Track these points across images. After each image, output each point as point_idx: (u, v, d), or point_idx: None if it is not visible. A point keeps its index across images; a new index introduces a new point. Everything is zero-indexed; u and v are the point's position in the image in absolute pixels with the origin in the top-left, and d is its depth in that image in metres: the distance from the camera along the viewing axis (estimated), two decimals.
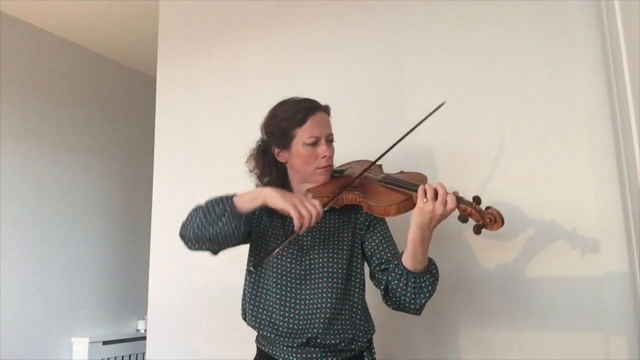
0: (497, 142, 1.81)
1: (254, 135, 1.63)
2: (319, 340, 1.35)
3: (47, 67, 3.38)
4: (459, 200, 1.25)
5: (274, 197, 1.29)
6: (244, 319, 1.46)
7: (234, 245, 1.38)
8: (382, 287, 1.40)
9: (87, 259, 3.48)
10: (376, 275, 1.43)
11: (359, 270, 1.45)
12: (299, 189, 1.49)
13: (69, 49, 3.54)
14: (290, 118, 1.42)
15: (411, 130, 1.36)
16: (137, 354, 3.54)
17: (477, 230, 1.25)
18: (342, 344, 1.36)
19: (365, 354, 1.42)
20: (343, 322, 1.38)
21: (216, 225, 1.30)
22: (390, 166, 1.57)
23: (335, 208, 1.42)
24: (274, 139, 1.46)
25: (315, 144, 1.41)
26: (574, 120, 1.71)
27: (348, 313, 1.40)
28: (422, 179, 1.42)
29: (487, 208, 1.25)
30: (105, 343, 3.36)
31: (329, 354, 1.36)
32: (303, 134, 1.41)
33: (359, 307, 1.43)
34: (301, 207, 1.25)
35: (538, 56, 1.79)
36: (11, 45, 3.18)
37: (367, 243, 1.46)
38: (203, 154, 2.41)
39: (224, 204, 1.32)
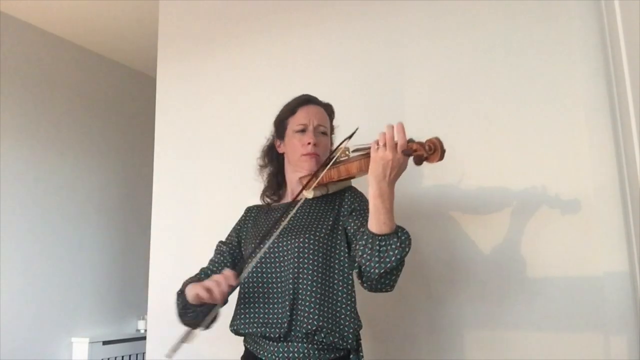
0: (497, 143, 1.81)
1: (253, 135, 1.64)
2: (299, 329, 1.31)
3: (47, 67, 3.38)
4: (408, 140, 1.25)
5: (191, 287, 1.34)
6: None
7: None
8: (356, 264, 1.32)
9: (87, 259, 3.48)
10: (352, 253, 1.37)
11: (342, 258, 1.40)
12: (292, 179, 1.56)
13: (69, 49, 3.54)
14: (285, 109, 1.57)
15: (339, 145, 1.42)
16: (137, 354, 3.54)
17: (418, 161, 1.25)
18: (322, 336, 1.31)
19: (351, 356, 1.36)
20: (324, 309, 1.33)
21: (186, 316, 1.40)
22: None
23: (326, 194, 1.48)
24: (275, 130, 1.60)
25: (303, 131, 1.51)
26: (574, 120, 1.71)
27: (330, 300, 1.35)
28: None
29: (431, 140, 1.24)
30: (105, 343, 3.36)
31: (308, 352, 1.32)
32: (293, 122, 1.53)
33: (343, 297, 1.37)
34: (208, 282, 1.27)
35: (538, 56, 1.79)
36: (11, 45, 3.18)
37: (349, 228, 1.41)
38: (203, 154, 2.41)
39: (181, 295, 1.42)
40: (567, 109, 1.73)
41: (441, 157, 1.23)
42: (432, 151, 1.22)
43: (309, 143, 1.48)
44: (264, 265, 1.41)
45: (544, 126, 1.75)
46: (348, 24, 2.15)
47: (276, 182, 1.60)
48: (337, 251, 1.41)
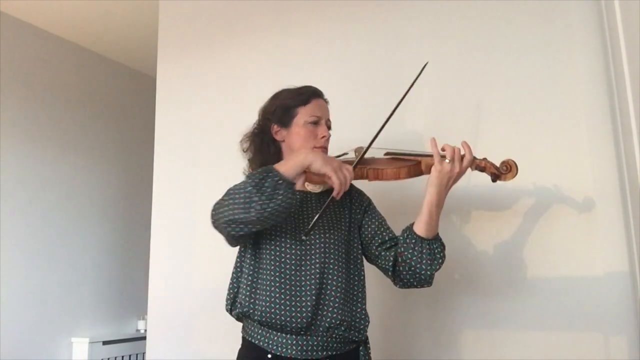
0: (495, 143, 1.81)
1: None
2: (322, 323, 1.33)
3: (47, 67, 3.38)
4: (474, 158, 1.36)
5: (317, 161, 1.30)
6: (230, 309, 1.43)
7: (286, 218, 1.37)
8: (390, 263, 1.42)
9: (87, 258, 3.48)
10: (381, 254, 1.45)
11: (357, 254, 1.47)
12: None
13: (69, 49, 3.54)
14: (295, 98, 1.50)
15: (405, 95, 1.47)
16: (137, 354, 3.55)
17: (494, 179, 1.40)
18: (342, 330, 1.34)
19: (361, 348, 1.40)
20: (346, 304, 1.37)
21: (275, 200, 1.25)
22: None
23: (331, 188, 1.42)
24: (274, 116, 1.51)
25: (316, 123, 1.48)
26: (574, 120, 1.71)
27: (350, 296, 1.40)
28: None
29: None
30: (105, 343, 3.36)
31: (327, 345, 1.34)
32: (306, 112, 1.48)
33: (359, 291, 1.43)
34: (340, 172, 1.30)
35: (538, 56, 1.79)
36: (11, 45, 3.18)
37: (366, 226, 1.50)
38: (203, 154, 2.41)
39: (273, 177, 1.26)
40: (567, 109, 1.73)
41: (514, 176, 1.38)
42: (507, 171, 1.37)
43: (323, 136, 1.48)
44: (288, 258, 1.39)
45: (544, 126, 1.75)
46: (348, 24, 2.15)
47: None
48: (354, 247, 1.47)
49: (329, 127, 1.52)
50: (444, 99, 1.92)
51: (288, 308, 1.34)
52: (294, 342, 1.33)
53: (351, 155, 1.52)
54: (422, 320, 1.84)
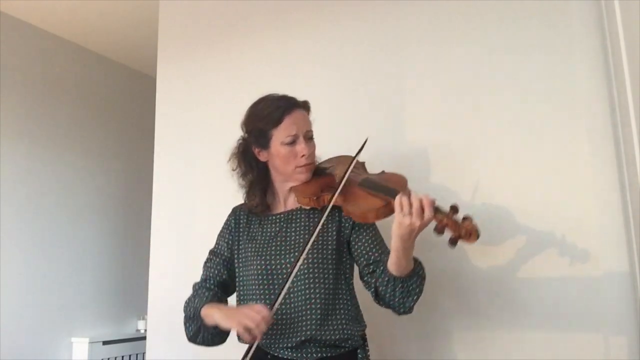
0: (495, 143, 1.81)
1: None
2: (312, 339, 1.36)
3: (47, 67, 3.38)
4: (436, 210, 1.22)
5: (221, 321, 1.33)
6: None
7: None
8: (372, 289, 1.38)
9: (87, 259, 3.48)
10: (365, 278, 1.42)
11: (347, 268, 1.46)
12: (282, 188, 1.51)
13: (69, 49, 3.54)
14: (267, 118, 1.43)
15: (352, 162, 1.41)
16: (137, 354, 3.54)
17: (452, 242, 1.23)
18: (336, 342, 1.37)
19: (359, 351, 1.41)
20: (334, 319, 1.38)
21: (198, 338, 1.46)
22: (380, 164, 1.57)
23: (317, 208, 1.44)
24: (252, 138, 1.47)
25: (293, 142, 1.42)
26: (573, 120, 1.71)
27: (339, 310, 1.40)
28: (402, 182, 1.39)
29: (464, 220, 1.22)
30: (105, 343, 3.36)
31: (324, 349, 1.37)
32: (280, 134, 1.42)
33: (349, 302, 1.43)
34: (245, 320, 1.25)
35: (538, 56, 1.79)
36: (11, 45, 3.18)
37: (353, 243, 1.44)
38: (203, 154, 2.41)
39: (197, 319, 1.43)
40: (566, 109, 1.72)
41: (475, 240, 1.22)
42: (466, 235, 1.22)
43: (303, 155, 1.43)
44: (274, 282, 1.40)
45: (543, 126, 1.75)
46: (348, 24, 2.15)
47: (260, 189, 1.50)
48: (343, 262, 1.45)
49: (310, 138, 1.46)
50: (443, 99, 1.92)
51: (281, 331, 1.38)
52: (294, 351, 1.38)
53: (332, 170, 1.52)
54: (421, 320, 1.83)
